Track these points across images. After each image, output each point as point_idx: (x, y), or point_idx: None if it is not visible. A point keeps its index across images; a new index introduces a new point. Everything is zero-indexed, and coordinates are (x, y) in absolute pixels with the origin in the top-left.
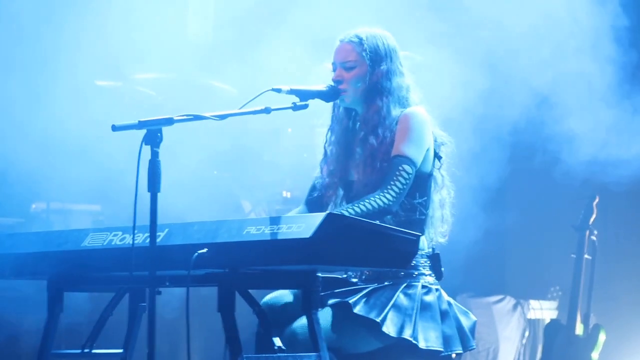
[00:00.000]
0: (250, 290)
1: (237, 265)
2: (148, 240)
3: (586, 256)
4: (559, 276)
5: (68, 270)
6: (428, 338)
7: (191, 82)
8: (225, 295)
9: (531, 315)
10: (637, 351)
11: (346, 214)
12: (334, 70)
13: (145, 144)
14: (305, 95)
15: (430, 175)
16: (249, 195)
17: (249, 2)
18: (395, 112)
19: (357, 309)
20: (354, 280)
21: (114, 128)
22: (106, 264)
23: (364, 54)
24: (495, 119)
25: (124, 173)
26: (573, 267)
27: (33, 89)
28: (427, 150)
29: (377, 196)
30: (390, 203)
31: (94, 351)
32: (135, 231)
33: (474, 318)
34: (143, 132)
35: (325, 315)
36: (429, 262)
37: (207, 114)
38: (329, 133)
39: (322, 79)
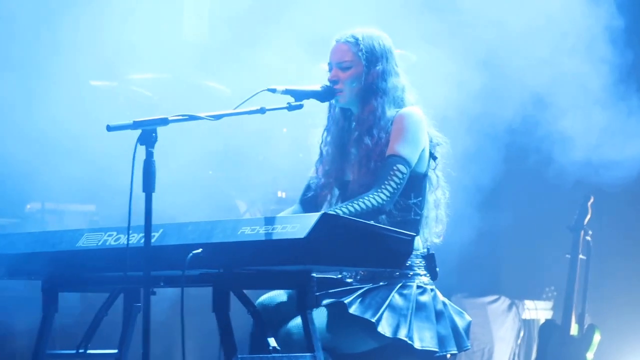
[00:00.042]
0: (245, 291)
1: (231, 266)
2: (143, 240)
3: (581, 256)
4: (554, 276)
5: (63, 271)
6: (423, 338)
7: (186, 83)
8: (220, 295)
9: (526, 315)
10: (632, 351)
11: (340, 213)
12: (330, 70)
13: (140, 144)
14: (300, 96)
15: (425, 175)
16: (243, 195)
17: (244, 3)
18: (391, 112)
19: (353, 309)
20: (349, 280)
21: (109, 128)
22: (101, 264)
23: (360, 54)
24: (489, 119)
25: (118, 173)
26: (568, 267)
27: (28, 89)
28: (422, 150)
29: (371, 195)
30: (384, 202)
31: (88, 351)
32: (130, 231)
33: (468, 318)
34: (138, 132)
35: (320, 315)
36: (424, 262)
37: (202, 114)
38: (325, 133)
39: (318, 79)
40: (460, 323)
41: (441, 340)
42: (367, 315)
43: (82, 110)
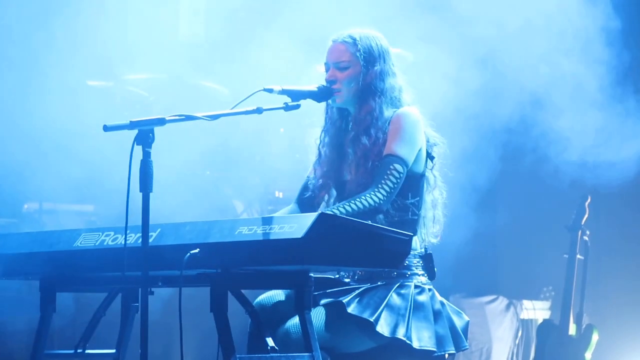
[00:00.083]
0: (242, 291)
1: (229, 266)
2: (140, 240)
3: (578, 256)
4: (552, 276)
5: (60, 271)
6: (421, 338)
7: (183, 83)
8: (217, 295)
9: (524, 315)
10: (630, 351)
11: (337, 213)
12: (327, 70)
13: (137, 144)
14: (296, 96)
15: (422, 175)
16: (241, 195)
17: (240, 3)
18: (388, 112)
19: (351, 309)
20: (347, 280)
21: (106, 128)
22: (99, 264)
23: (357, 54)
24: (486, 119)
25: (116, 174)
26: (566, 267)
27: (25, 89)
28: (420, 150)
29: (367, 195)
30: (381, 202)
31: (87, 351)
32: (128, 231)
33: (466, 318)
34: (135, 132)
35: (318, 315)
36: (421, 262)
37: (198, 114)
38: (323, 134)
39: (315, 79)
40: (459, 323)
41: (439, 340)
42: (366, 315)
43: (79, 110)
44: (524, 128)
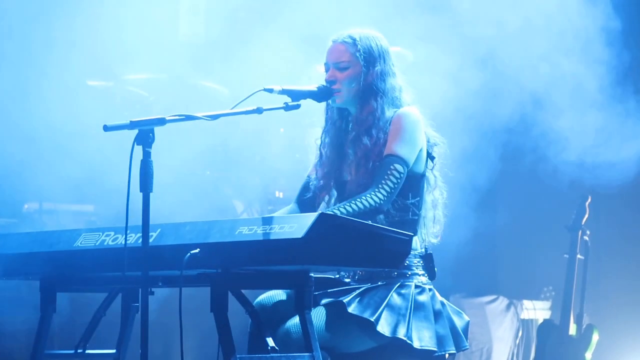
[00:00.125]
0: (243, 291)
1: (229, 266)
2: (140, 240)
3: (579, 256)
4: (552, 276)
5: (60, 271)
6: (422, 338)
7: (183, 83)
8: (218, 295)
9: (524, 315)
10: (630, 351)
11: (337, 213)
12: (327, 70)
13: (137, 144)
14: (297, 96)
15: (423, 175)
16: (241, 195)
17: (240, 2)
18: (389, 112)
19: (351, 309)
20: (347, 280)
21: (106, 128)
22: (99, 264)
23: (357, 54)
24: (486, 119)
25: (116, 173)
26: (566, 267)
27: (25, 89)
28: (420, 150)
29: (368, 195)
30: (382, 202)
31: (87, 351)
32: (128, 231)
33: (467, 318)
34: (135, 132)
35: (319, 315)
36: (422, 262)
37: (199, 114)
38: (324, 135)
39: (315, 79)
40: (459, 323)
41: (440, 340)
42: (366, 315)
43: (79, 110)
44: (523, 128)
